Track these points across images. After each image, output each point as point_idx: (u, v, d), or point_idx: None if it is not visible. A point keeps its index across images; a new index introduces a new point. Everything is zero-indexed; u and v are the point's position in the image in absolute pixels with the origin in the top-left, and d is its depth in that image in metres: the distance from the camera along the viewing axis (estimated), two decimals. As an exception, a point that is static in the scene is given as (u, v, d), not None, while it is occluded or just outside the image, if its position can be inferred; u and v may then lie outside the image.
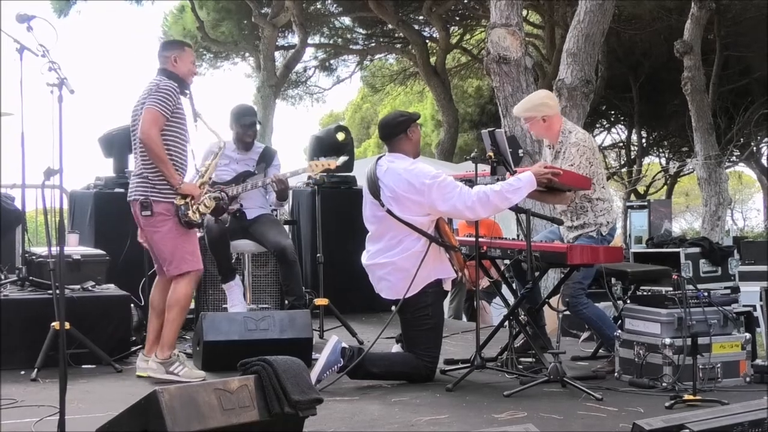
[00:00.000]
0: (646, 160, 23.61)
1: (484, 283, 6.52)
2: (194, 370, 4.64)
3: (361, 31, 20.11)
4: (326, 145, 6.99)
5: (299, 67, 19.89)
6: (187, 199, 4.60)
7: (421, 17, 18.21)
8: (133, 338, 5.38)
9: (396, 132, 4.77)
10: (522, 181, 4.50)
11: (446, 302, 7.05)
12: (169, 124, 4.60)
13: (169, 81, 4.63)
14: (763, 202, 26.78)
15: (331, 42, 20.04)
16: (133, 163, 5.00)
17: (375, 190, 4.67)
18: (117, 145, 6.64)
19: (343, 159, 6.02)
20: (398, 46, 20.02)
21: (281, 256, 5.64)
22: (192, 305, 6.65)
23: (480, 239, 4.77)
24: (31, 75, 4.36)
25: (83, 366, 4.91)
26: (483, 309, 7.69)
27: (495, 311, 8.03)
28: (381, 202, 4.64)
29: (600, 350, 5.38)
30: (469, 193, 4.48)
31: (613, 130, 24.49)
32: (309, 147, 7.27)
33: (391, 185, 4.61)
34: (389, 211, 4.60)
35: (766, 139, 21.54)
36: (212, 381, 2.98)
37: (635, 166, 21.64)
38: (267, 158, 5.96)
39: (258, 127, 6.08)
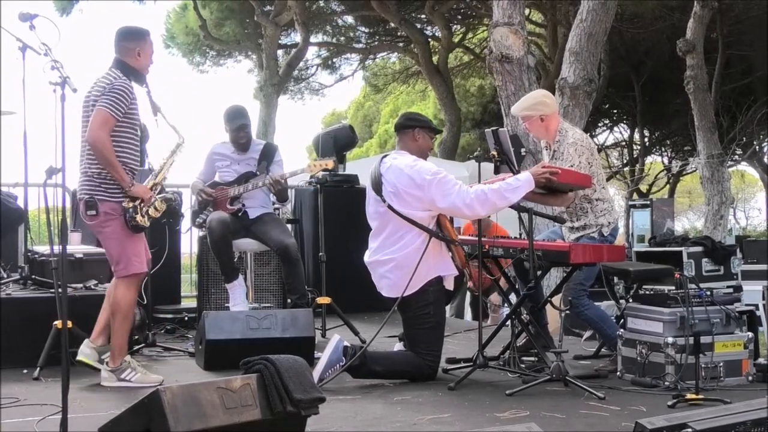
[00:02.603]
0: (649, 159, 23.63)
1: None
2: (148, 374, 4.53)
3: (363, 29, 20.10)
4: (341, 143, 7.03)
5: (302, 65, 19.90)
6: (137, 202, 4.42)
7: (423, 16, 18.20)
8: (136, 337, 5.38)
9: (404, 125, 4.88)
10: (520, 181, 4.53)
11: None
12: (121, 124, 4.41)
13: (124, 79, 4.43)
14: (765, 201, 26.75)
15: (334, 41, 20.05)
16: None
17: (377, 187, 4.69)
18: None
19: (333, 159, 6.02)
20: (400, 44, 20.02)
21: (284, 254, 5.63)
22: (194, 304, 6.67)
23: (482, 239, 4.77)
24: (34, 74, 4.35)
25: (86, 364, 4.91)
26: (496, 306, 7.61)
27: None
28: (383, 197, 4.65)
29: (602, 349, 5.37)
30: (468, 191, 4.50)
31: (615, 129, 24.55)
32: (321, 144, 7.24)
33: (392, 180, 4.63)
34: (390, 207, 4.62)
35: (768, 138, 21.54)
36: (215, 380, 2.98)
37: (638, 165, 21.64)
38: (268, 156, 5.95)
39: (248, 129, 5.97)
